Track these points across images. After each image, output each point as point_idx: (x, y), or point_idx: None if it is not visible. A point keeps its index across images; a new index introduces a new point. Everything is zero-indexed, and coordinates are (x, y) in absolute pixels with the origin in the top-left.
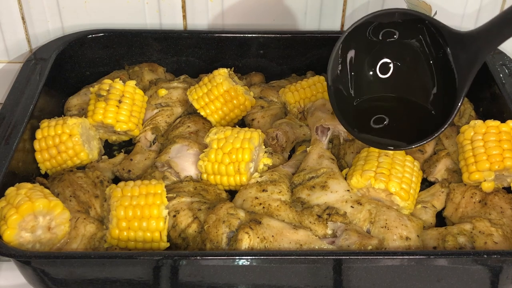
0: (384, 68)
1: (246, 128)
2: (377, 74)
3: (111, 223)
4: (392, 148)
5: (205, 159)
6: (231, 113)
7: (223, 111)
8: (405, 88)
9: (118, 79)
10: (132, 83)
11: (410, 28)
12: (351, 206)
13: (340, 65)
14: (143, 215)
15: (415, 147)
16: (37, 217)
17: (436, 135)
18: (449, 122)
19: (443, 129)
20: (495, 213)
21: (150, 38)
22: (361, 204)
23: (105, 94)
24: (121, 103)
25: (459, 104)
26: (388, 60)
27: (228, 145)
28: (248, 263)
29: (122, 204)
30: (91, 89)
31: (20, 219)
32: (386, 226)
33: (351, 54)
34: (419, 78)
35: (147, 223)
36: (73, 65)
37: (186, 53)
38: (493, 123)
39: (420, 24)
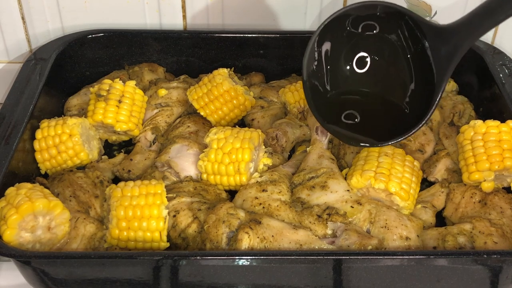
0: (361, 63)
1: (246, 128)
2: (354, 69)
3: (111, 223)
4: (363, 144)
5: (205, 159)
6: (231, 113)
7: (223, 111)
8: (382, 83)
9: (118, 79)
10: (132, 83)
11: (389, 22)
12: (351, 206)
13: (316, 59)
14: (143, 215)
15: (390, 144)
16: (37, 217)
17: (413, 131)
18: (426, 119)
19: (420, 125)
20: (495, 213)
21: (150, 38)
22: (361, 204)
23: (105, 94)
24: (121, 103)
25: (437, 100)
26: (365, 54)
27: (228, 145)
28: (248, 263)
29: (122, 204)
30: (91, 89)
31: (20, 219)
32: (386, 226)
33: (327, 46)
34: (396, 73)
35: (147, 223)
36: (73, 65)
37: (186, 53)
38: (493, 123)
39: (398, 18)
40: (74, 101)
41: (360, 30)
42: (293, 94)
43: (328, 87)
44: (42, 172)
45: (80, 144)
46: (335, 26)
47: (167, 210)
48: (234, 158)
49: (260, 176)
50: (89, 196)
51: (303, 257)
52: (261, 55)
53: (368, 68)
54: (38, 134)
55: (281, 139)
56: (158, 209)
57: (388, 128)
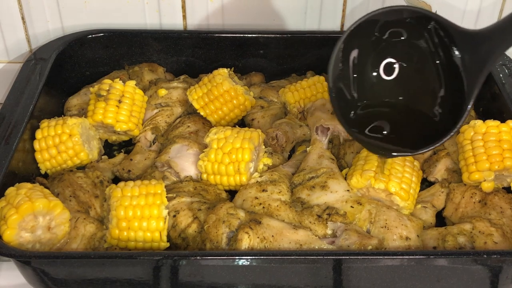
0: (389, 69)
1: (246, 128)
2: (381, 76)
3: (111, 223)
4: (396, 154)
5: (205, 159)
6: (231, 113)
7: (223, 111)
8: (410, 90)
9: (118, 79)
10: (132, 83)
11: (417, 27)
12: (351, 206)
13: (341, 65)
14: (143, 215)
15: (419, 153)
16: (37, 217)
17: (444, 140)
18: (457, 128)
19: (452, 133)
20: (495, 213)
21: (150, 38)
22: (361, 204)
23: (105, 94)
24: (121, 103)
25: (468, 108)
26: (393, 60)
27: (228, 145)
28: (248, 263)
29: (122, 204)
30: (91, 89)
31: (20, 219)
32: (386, 226)
33: (354, 54)
34: (425, 80)
35: (147, 223)
36: (73, 65)
37: (186, 53)
38: (493, 123)
39: (426, 23)
40: (74, 101)
41: (386, 36)
42: (293, 94)
43: (355, 95)
44: (42, 172)
45: (80, 144)
46: (361, 32)
47: (167, 210)
48: (234, 158)
49: (260, 176)
50: (89, 196)
51: (303, 257)
52: (261, 55)
53: (396, 75)
54: (38, 134)
55: (281, 139)
56: (158, 209)
57: (417, 136)
